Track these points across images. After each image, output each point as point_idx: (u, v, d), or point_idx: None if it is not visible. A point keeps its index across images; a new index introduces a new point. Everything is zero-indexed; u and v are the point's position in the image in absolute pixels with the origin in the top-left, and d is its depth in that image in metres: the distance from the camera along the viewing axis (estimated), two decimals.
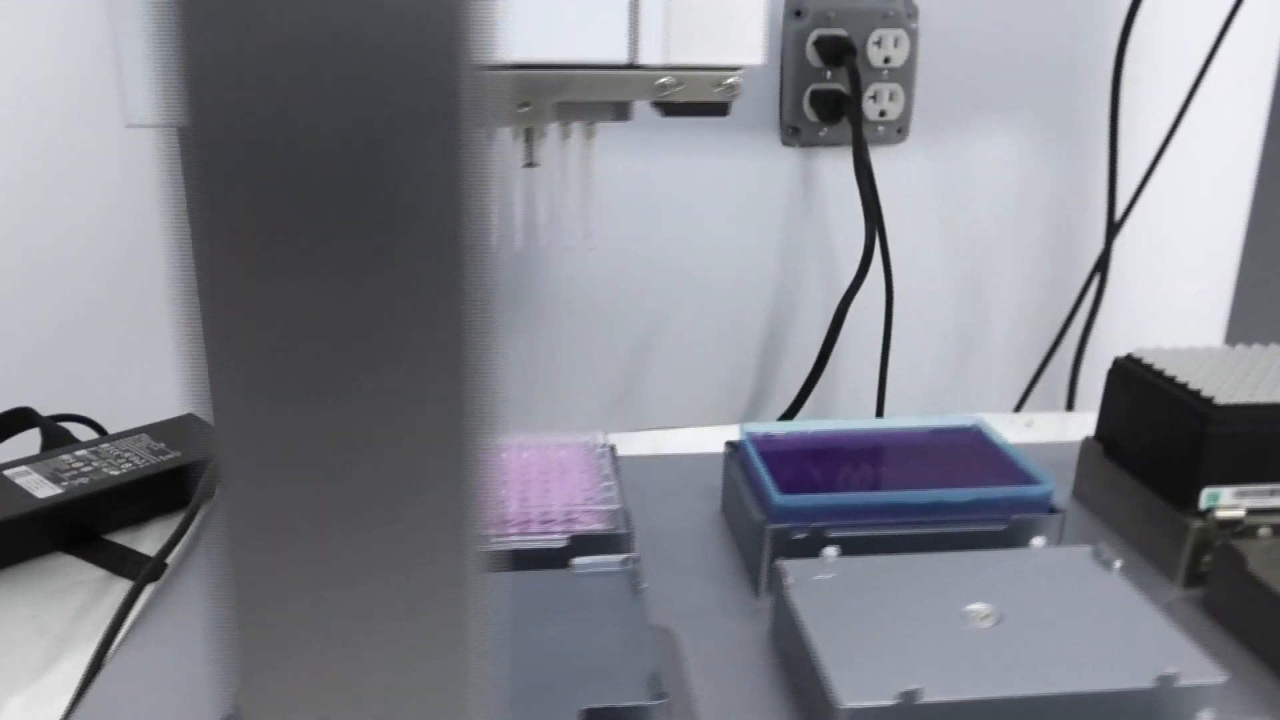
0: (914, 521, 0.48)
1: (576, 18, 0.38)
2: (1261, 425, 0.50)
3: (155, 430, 0.67)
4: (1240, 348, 0.58)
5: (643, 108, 0.81)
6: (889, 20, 0.83)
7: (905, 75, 0.84)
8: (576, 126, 0.43)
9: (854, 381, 0.90)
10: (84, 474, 0.61)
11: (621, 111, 0.42)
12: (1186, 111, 0.74)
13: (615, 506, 0.47)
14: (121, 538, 0.60)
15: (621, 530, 0.46)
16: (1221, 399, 0.50)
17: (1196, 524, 0.50)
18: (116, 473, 0.61)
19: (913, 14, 0.83)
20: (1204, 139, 0.86)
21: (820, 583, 0.43)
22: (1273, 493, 0.50)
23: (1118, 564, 0.45)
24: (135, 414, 0.69)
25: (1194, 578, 0.50)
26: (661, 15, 0.38)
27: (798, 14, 0.82)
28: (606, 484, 0.49)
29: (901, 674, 0.37)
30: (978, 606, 0.42)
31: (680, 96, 0.40)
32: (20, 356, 0.79)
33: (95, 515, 0.60)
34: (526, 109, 0.39)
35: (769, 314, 0.89)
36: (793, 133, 0.85)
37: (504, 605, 0.41)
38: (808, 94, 0.83)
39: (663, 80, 0.39)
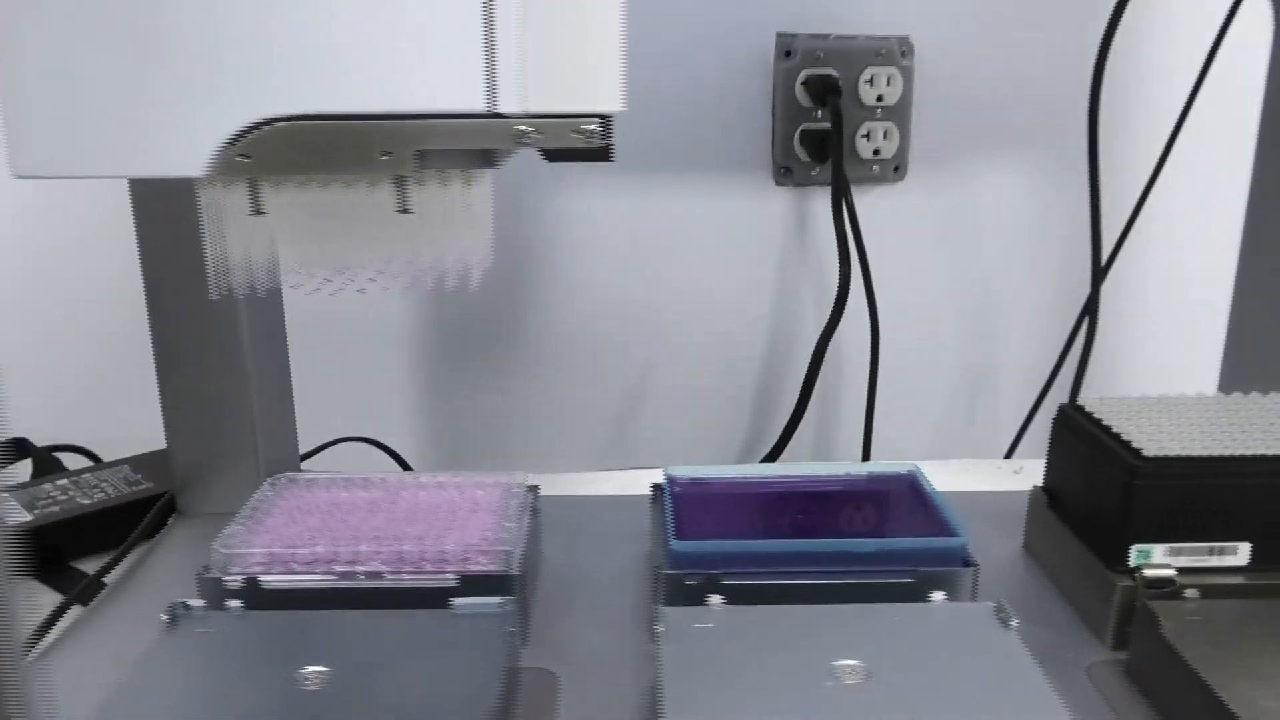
0: (815, 571, 0.47)
1: (434, 67, 0.39)
2: (1195, 479, 0.47)
3: (136, 461, 0.70)
4: (1197, 397, 0.55)
5: (634, 148, 0.82)
6: (881, 59, 0.82)
7: (900, 113, 0.83)
8: (455, 172, 0.44)
9: (855, 424, 0.88)
10: (59, 502, 0.64)
11: (488, 159, 0.43)
12: (1171, 150, 0.71)
13: (507, 548, 0.47)
14: (92, 564, 0.62)
15: (513, 572, 0.46)
16: (1152, 451, 0.47)
17: (1123, 583, 0.47)
18: (88, 502, 0.64)
19: (907, 52, 0.82)
20: (1191, 176, 0.82)
21: (695, 631, 0.42)
22: (1211, 551, 0.47)
23: (1014, 623, 0.43)
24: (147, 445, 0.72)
25: (1122, 639, 0.47)
26: (518, 64, 0.39)
27: (787, 54, 0.81)
28: (508, 525, 0.49)
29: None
30: (848, 663, 0.40)
31: (540, 144, 0.40)
32: (42, 387, 0.83)
33: (62, 542, 0.62)
34: (388, 159, 0.40)
35: (764, 354, 0.88)
36: (785, 173, 0.84)
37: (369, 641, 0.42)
38: (798, 134, 0.82)
39: (522, 128, 0.40)
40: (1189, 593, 0.46)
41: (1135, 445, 0.48)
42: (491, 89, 0.39)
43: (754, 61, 0.82)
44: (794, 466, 0.56)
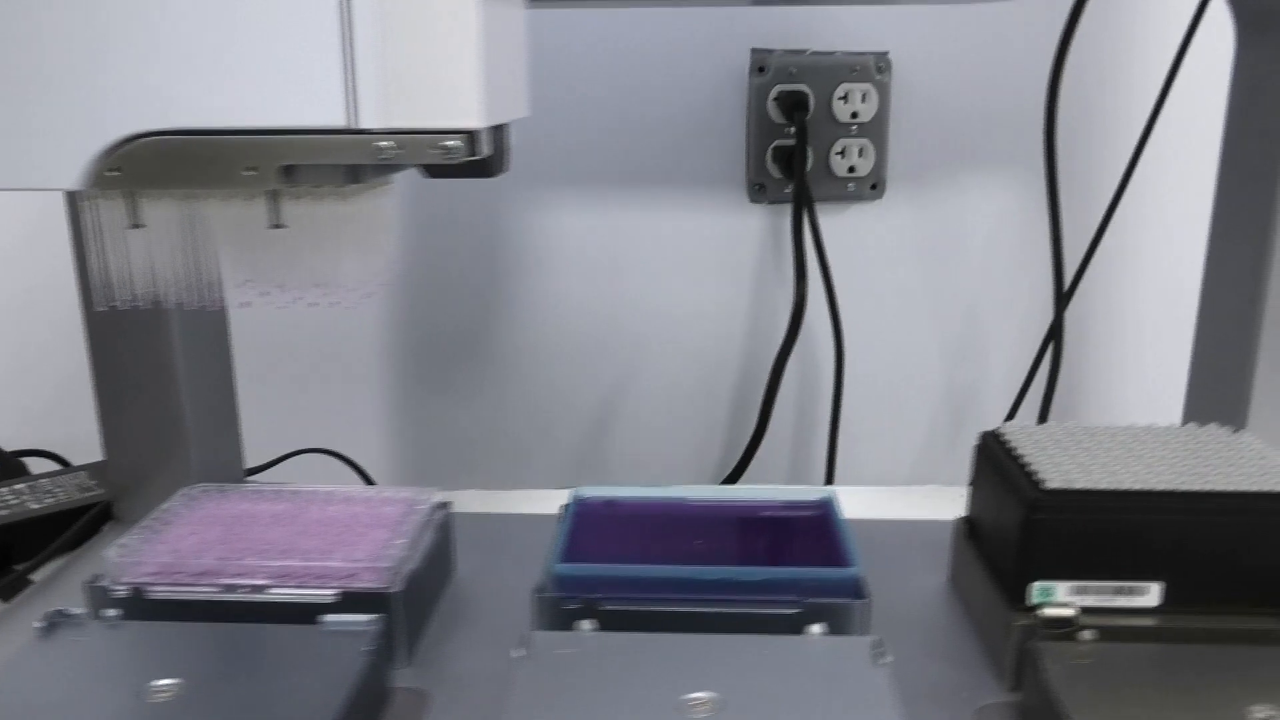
0: (697, 599, 0.45)
1: (294, 83, 0.39)
2: (1099, 514, 0.44)
3: (95, 468, 0.71)
4: (1125, 427, 0.52)
5: (589, 165, 0.82)
6: (856, 75, 0.80)
7: (875, 131, 0.81)
8: (329, 189, 0.44)
9: (849, 446, 0.86)
10: (9, 505, 0.65)
11: (353, 174, 0.43)
12: (1134, 168, 0.68)
13: (388, 565, 0.47)
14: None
15: (393, 589, 0.46)
16: (1055, 483, 0.45)
17: (1020, 621, 0.45)
18: (38, 506, 0.65)
19: (884, 68, 0.80)
20: (1158, 195, 0.79)
21: (557, 657, 0.42)
22: (1118, 591, 0.45)
23: (888, 659, 0.41)
24: None
25: (1019, 681, 0.45)
26: (377, 80, 0.39)
27: (760, 70, 0.80)
28: (399, 542, 0.49)
29: None
30: (700, 695, 0.39)
31: (401, 160, 0.40)
32: (21, 391, 0.86)
33: (12, 544, 0.64)
34: (253, 174, 0.40)
35: (739, 372, 0.86)
36: (759, 189, 0.83)
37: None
38: (770, 150, 0.81)
39: (382, 144, 0.40)
40: (1086, 634, 0.44)
41: (1039, 476, 0.46)
42: (352, 105, 0.39)
43: (730, 77, 0.81)
44: (710, 490, 0.55)
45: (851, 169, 0.82)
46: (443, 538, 0.53)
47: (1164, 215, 0.81)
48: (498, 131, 0.45)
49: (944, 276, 0.85)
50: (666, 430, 0.87)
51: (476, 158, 0.42)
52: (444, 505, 0.55)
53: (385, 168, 0.45)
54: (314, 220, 0.43)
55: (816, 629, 0.44)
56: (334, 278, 0.44)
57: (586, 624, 0.44)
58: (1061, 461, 0.47)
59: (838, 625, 0.45)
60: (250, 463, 0.77)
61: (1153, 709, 0.38)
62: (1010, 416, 0.77)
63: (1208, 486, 0.45)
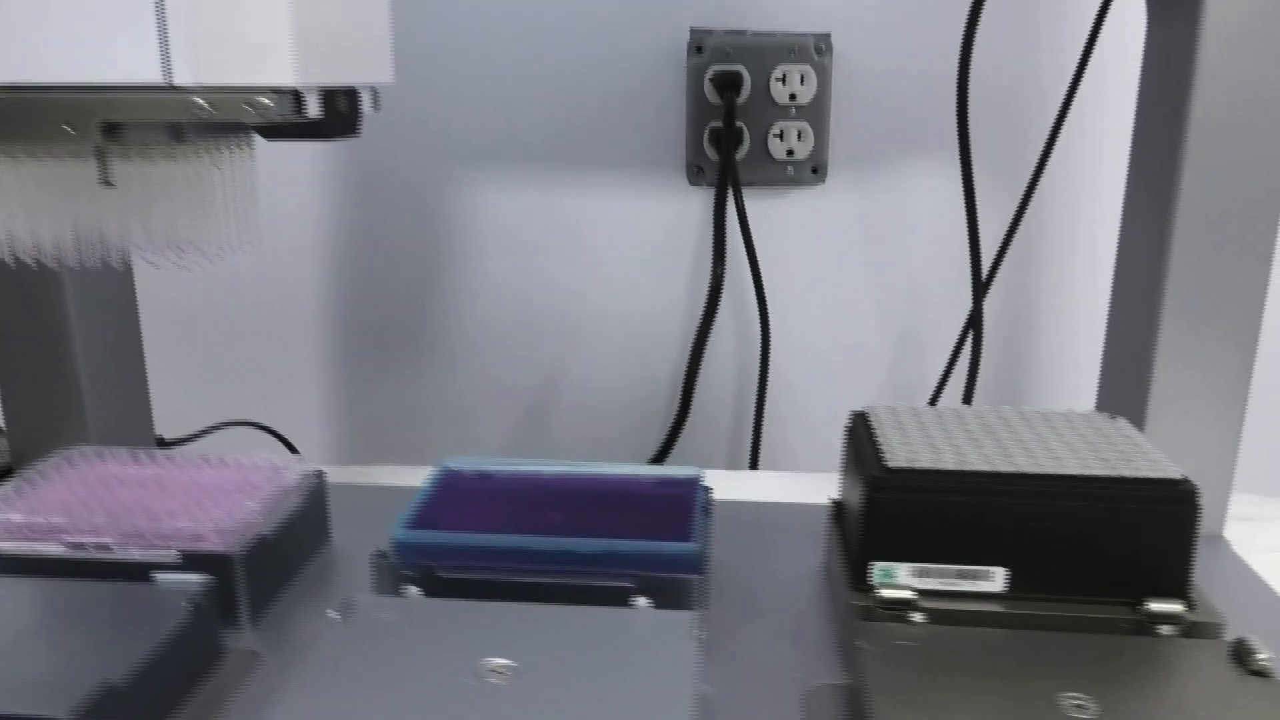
0: (534, 570, 0.45)
1: (109, 38, 0.39)
2: (941, 495, 0.43)
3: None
4: (995, 409, 0.51)
5: (526, 144, 0.82)
6: (794, 56, 0.79)
7: (815, 113, 0.80)
8: (161, 148, 0.43)
9: (778, 432, 0.85)
10: None
11: (176, 133, 0.42)
12: (1049, 155, 0.66)
13: (232, 528, 0.47)
14: None
15: (235, 552, 0.46)
16: (900, 462, 0.44)
17: (859, 602, 0.44)
18: None
19: (824, 50, 0.79)
20: (1079, 183, 0.77)
21: (372, 621, 0.41)
22: (961, 575, 0.44)
23: (697, 634, 0.40)
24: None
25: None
26: (189, 36, 0.39)
27: (699, 50, 0.79)
28: (252, 507, 0.49)
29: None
30: (500, 662, 0.38)
31: (216, 118, 0.40)
32: None
33: None
34: (74, 131, 0.40)
35: (677, 355, 0.85)
36: (698, 172, 0.82)
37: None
38: (707, 132, 0.80)
39: (197, 101, 0.39)
40: (917, 617, 0.42)
41: (884, 456, 0.45)
42: (167, 62, 0.39)
43: (669, 57, 0.81)
44: (581, 466, 0.54)
45: (790, 152, 0.81)
46: (311, 506, 0.53)
47: (1089, 201, 0.79)
48: (337, 94, 0.45)
49: (888, 263, 0.83)
50: (604, 412, 0.87)
51: (303, 118, 0.42)
52: (318, 474, 0.55)
53: (223, 128, 0.45)
54: (145, 181, 0.43)
55: (642, 602, 0.43)
56: (173, 240, 0.45)
57: (414, 590, 0.44)
58: (916, 442, 0.46)
59: (674, 600, 0.44)
60: (182, 434, 0.78)
61: (958, 694, 0.37)
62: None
63: (1059, 470, 0.43)
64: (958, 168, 0.80)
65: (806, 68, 0.79)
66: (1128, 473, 0.43)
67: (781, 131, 0.80)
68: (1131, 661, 0.39)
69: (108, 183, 0.43)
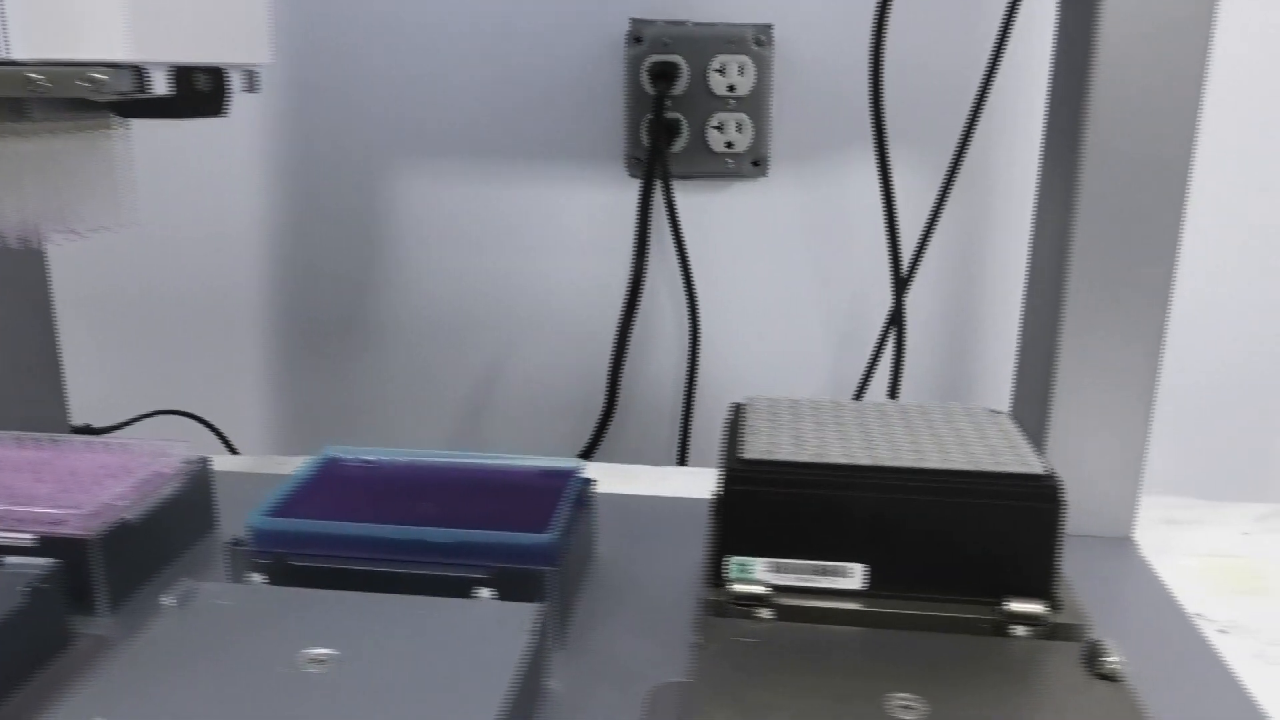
0: (387, 559, 0.44)
1: None
2: (795, 488, 0.42)
3: None
4: (877, 402, 0.50)
5: (467, 134, 0.81)
6: (733, 46, 0.78)
7: (754, 104, 0.79)
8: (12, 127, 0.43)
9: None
10: None
11: (18, 109, 0.42)
12: (965, 149, 0.64)
13: (86, 512, 0.46)
14: None
15: (91, 536, 0.46)
16: (754, 454, 0.43)
17: (712, 597, 0.43)
18: None
19: (765, 41, 0.78)
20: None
21: (206, 608, 0.41)
22: (817, 571, 0.42)
23: (533, 627, 0.39)
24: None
25: None
26: (25, 9, 0.38)
27: (637, 40, 0.78)
28: (118, 491, 0.48)
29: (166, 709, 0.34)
30: (321, 651, 0.38)
31: (51, 93, 0.39)
32: None
33: None
34: None
35: (617, 347, 0.84)
36: (637, 163, 0.81)
37: None
38: (645, 123, 0.79)
39: (32, 75, 0.39)
40: (764, 613, 0.41)
41: (743, 447, 0.43)
42: (3, 36, 0.39)
43: (610, 48, 0.80)
44: (466, 455, 0.53)
45: (729, 144, 0.79)
46: (191, 492, 0.53)
47: (1014, 192, 0.77)
48: (195, 73, 0.44)
49: (831, 258, 0.82)
50: (541, 405, 0.86)
51: (144, 95, 0.41)
52: (201, 460, 0.54)
53: (81, 105, 0.44)
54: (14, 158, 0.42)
55: (485, 593, 0.42)
56: (28, 220, 0.44)
57: (257, 577, 0.43)
58: (781, 435, 0.45)
59: (527, 592, 0.43)
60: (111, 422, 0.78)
61: (784, 693, 0.36)
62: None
63: (918, 464, 0.42)
64: (900, 160, 0.78)
65: (745, 59, 0.78)
66: (990, 468, 0.41)
67: (720, 123, 0.79)
68: (975, 663, 0.38)
69: None
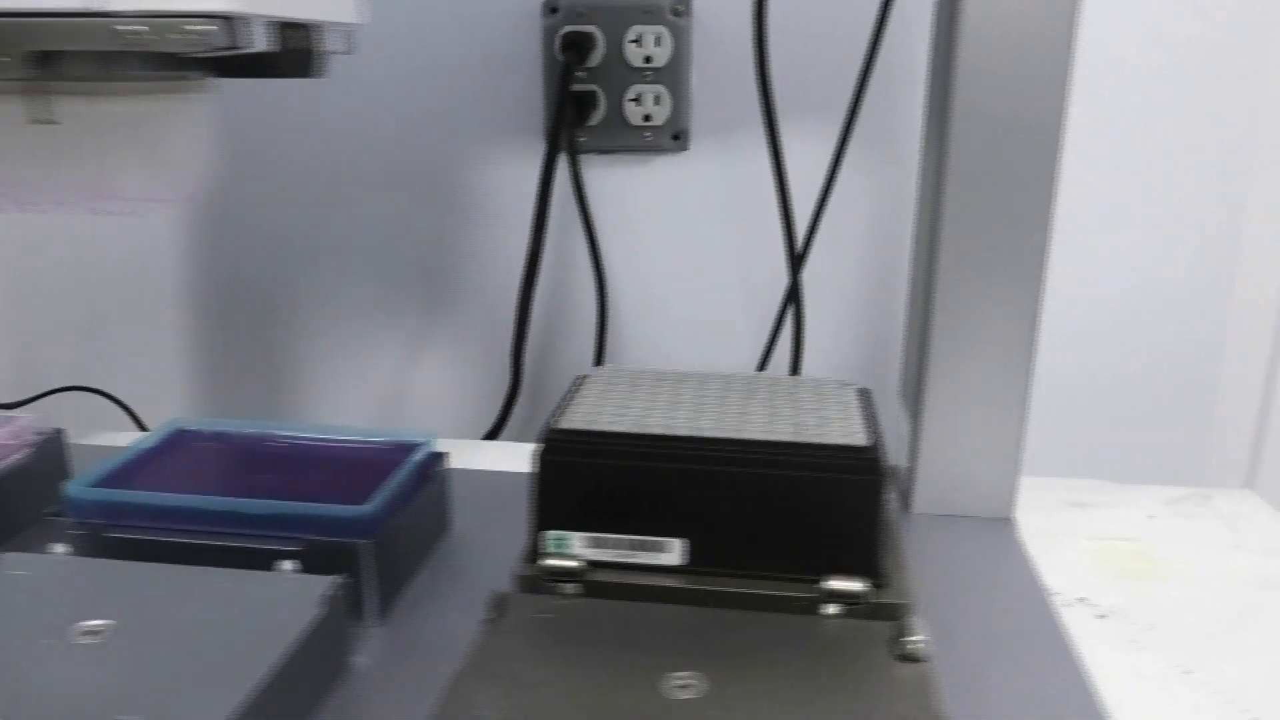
0: (200, 530, 0.43)
1: None
2: (607, 459, 0.40)
3: None
4: (731, 376, 0.48)
5: (384, 110, 0.79)
6: (648, 16, 0.76)
7: (672, 76, 0.77)
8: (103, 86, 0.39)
9: None
10: None
11: (104, 65, 0.38)
12: (851, 127, 0.62)
13: None
14: None
15: None
16: (571, 424, 0.41)
17: (524, 572, 0.41)
18: None
19: (681, 10, 0.76)
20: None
21: (1, 579, 0.40)
22: (635, 546, 0.41)
23: (321, 602, 0.38)
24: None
25: None
26: None
27: (553, 10, 0.77)
28: None
29: None
30: (96, 624, 0.36)
31: (148, 45, 0.35)
32: None
33: None
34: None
35: (537, 324, 0.83)
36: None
37: None
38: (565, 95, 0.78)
39: (129, 27, 0.35)
40: (568, 588, 0.40)
41: (562, 417, 0.42)
42: None
43: (526, 18, 0.78)
44: (319, 430, 0.52)
45: (647, 117, 0.77)
46: (36, 463, 0.52)
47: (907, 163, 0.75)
48: (289, 29, 0.41)
49: (755, 233, 0.80)
50: (465, 382, 0.85)
51: (240, 50, 0.38)
52: (56, 432, 0.53)
53: (174, 64, 0.41)
54: (81, 120, 0.39)
55: (287, 565, 0.41)
56: (107, 187, 0.41)
57: (60, 547, 0.42)
58: (607, 405, 0.43)
59: (341, 566, 0.42)
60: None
61: (559, 671, 0.34)
62: None
63: (736, 435, 0.40)
64: (824, 135, 0.76)
65: (662, 29, 0.76)
66: (813, 439, 0.40)
67: (638, 95, 0.77)
68: (774, 642, 0.36)
69: (42, 120, 0.39)
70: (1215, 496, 0.65)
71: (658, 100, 0.77)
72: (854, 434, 0.40)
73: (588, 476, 0.40)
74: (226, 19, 0.36)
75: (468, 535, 0.52)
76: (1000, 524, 0.53)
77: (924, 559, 0.50)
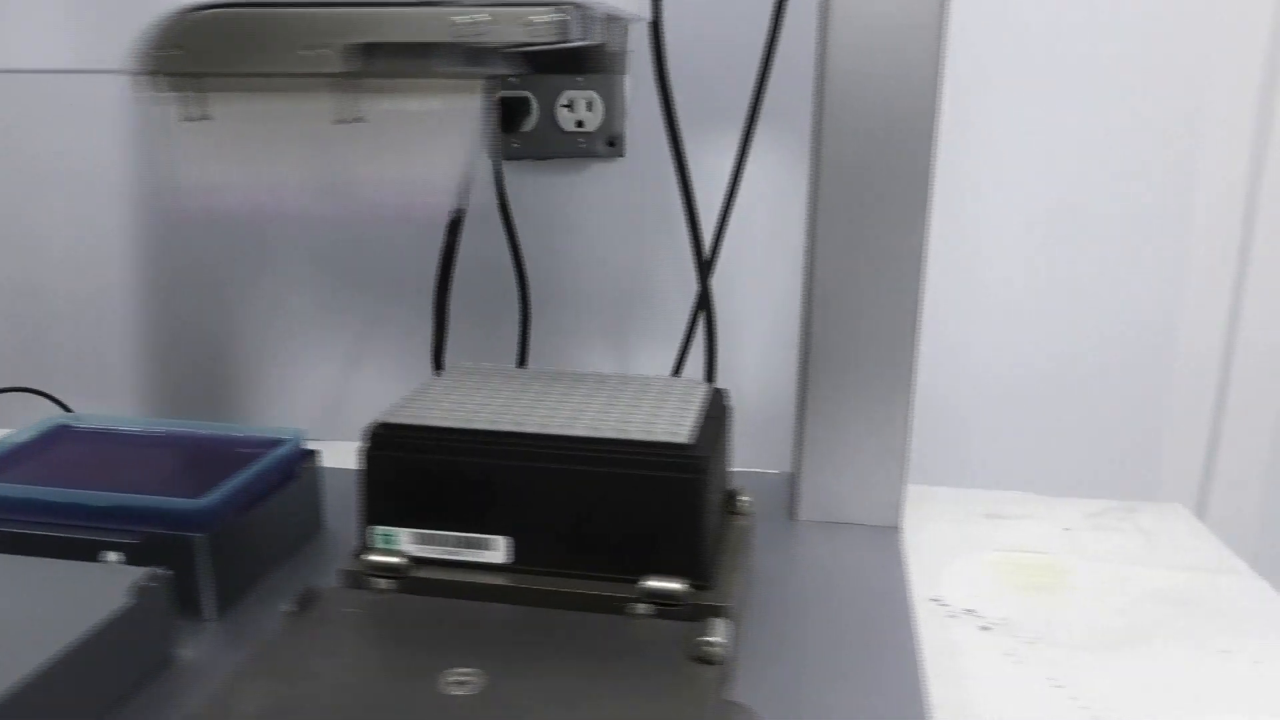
0: (43, 522, 0.43)
1: None
2: (429, 454, 0.40)
3: None
4: (587, 376, 0.47)
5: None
6: None
7: (605, 82, 0.77)
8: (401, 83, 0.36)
9: None
10: None
11: (440, 57, 0.34)
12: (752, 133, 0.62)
13: None
14: None
15: None
16: (397, 420, 0.41)
17: (347, 567, 0.41)
18: None
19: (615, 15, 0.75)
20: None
21: None
22: (460, 543, 0.40)
23: (129, 593, 0.38)
24: None
25: None
26: None
27: None
28: None
29: None
30: None
31: (483, 38, 0.33)
32: None
33: None
34: (317, 53, 0.34)
35: (466, 327, 0.82)
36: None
37: None
38: (496, 102, 0.78)
39: (458, 19, 0.32)
40: (381, 584, 0.39)
41: (391, 413, 0.41)
42: None
43: None
44: (201, 426, 0.52)
45: (580, 123, 0.77)
46: None
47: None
48: (604, 23, 0.38)
49: (684, 240, 0.79)
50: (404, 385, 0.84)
51: (569, 43, 0.35)
52: None
53: (489, 57, 0.38)
54: (396, 118, 0.38)
55: (112, 557, 0.41)
56: (414, 187, 0.39)
57: None
58: (444, 400, 0.43)
59: (176, 559, 0.41)
60: None
61: (340, 667, 0.34)
62: None
63: (560, 432, 0.39)
64: (767, 142, 0.76)
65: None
66: (636, 437, 0.39)
67: (570, 101, 0.77)
68: (566, 640, 0.35)
69: (349, 119, 0.38)
70: (1141, 510, 0.63)
71: (590, 106, 0.77)
72: (679, 432, 0.39)
73: (410, 471, 0.40)
74: (578, 7, 0.33)
75: (340, 534, 0.51)
76: (885, 532, 0.52)
77: (799, 566, 0.49)
